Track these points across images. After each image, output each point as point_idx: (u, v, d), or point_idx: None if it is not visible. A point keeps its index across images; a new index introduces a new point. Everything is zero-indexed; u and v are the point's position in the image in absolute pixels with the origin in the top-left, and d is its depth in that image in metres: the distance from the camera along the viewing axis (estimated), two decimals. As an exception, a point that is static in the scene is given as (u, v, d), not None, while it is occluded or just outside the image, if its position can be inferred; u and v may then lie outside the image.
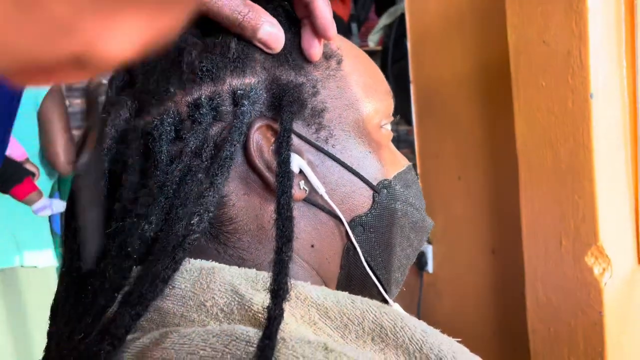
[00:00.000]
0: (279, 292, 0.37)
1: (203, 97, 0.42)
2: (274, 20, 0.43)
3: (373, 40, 2.30)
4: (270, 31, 0.42)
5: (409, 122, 1.88)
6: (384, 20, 2.16)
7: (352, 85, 0.48)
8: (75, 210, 0.44)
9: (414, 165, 1.77)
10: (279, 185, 0.41)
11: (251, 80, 0.43)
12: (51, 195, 1.95)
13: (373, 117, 0.48)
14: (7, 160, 1.72)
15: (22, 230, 1.82)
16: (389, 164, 0.49)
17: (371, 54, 2.51)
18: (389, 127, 0.50)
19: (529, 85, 1.07)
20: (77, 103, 3.01)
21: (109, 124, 0.43)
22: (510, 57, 1.09)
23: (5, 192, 1.75)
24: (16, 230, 1.80)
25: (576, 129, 0.99)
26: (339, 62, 0.48)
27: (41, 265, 1.83)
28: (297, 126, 0.45)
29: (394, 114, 0.52)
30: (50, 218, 1.92)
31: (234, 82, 0.43)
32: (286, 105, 0.43)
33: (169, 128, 0.42)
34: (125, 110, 0.43)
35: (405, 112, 1.90)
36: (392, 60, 2.05)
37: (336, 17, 2.66)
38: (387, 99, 0.50)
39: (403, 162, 0.52)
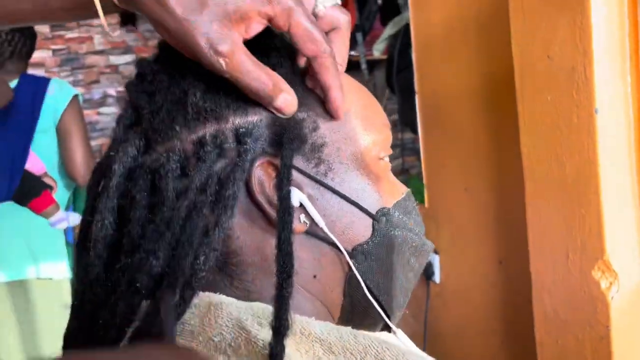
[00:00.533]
0: (279, 328, 0.39)
1: (207, 135, 0.44)
2: (289, 88, 0.44)
3: (378, 50, 2.31)
4: (286, 99, 0.44)
5: (414, 130, 1.89)
6: (389, 30, 2.17)
7: (351, 119, 0.49)
8: (86, 245, 0.46)
9: (420, 174, 1.78)
10: (279, 222, 0.42)
11: (253, 118, 0.45)
12: (67, 208, 1.98)
13: (371, 149, 0.49)
14: (26, 174, 1.78)
15: (39, 243, 1.85)
16: (387, 194, 0.50)
17: (376, 63, 2.52)
18: (387, 158, 0.52)
19: (534, 101, 1.07)
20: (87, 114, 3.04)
21: (117, 161, 0.45)
22: (514, 72, 1.10)
23: (23, 204, 1.78)
24: (32, 242, 1.84)
25: (581, 144, 0.99)
26: None
27: (56, 277, 1.86)
28: (297, 161, 0.46)
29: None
30: (65, 230, 1.96)
31: (237, 120, 0.44)
32: (287, 142, 0.44)
33: (174, 165, 0.43)
34: (133, 148, 0.45)
35: (410, 121, 1.90)
36: (397, 69, 2.06)
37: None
38: (385, 131, 0.51)
39: (402, 190, 0.53)
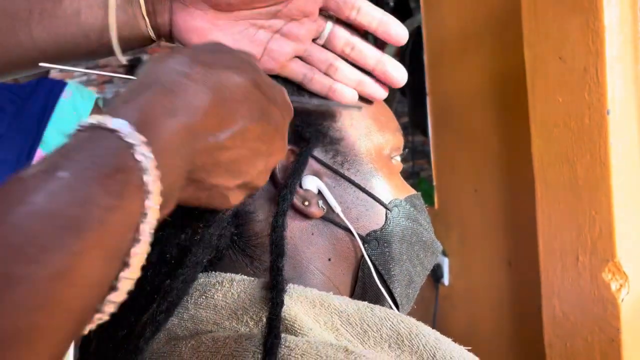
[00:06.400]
0: (277, 285, 0.45)
1: None
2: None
3: (389, 52, 2.31)
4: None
5: (424, 133, 1.89)
6: (401, 32, 2.16)
7: (367, 118, 0.54)
8: None
9: (430, 177, 1.78)
10: (279, 200, 0.48)
11: None
12: None
13: (384, 147, 0.54)
14: None
15: None
16: (399, 188, 0.55)
17: (388, 65, 2.45)
18: (398, 159, 0.56)
19: (546, 101, 1.07)
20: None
21: None
22: (526, 73, 1.10)
23: None
24: None
25: (593, 145, 0.99)
26: None
27: None
28: (317, 152, 0.51)
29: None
30: None
31: None
32: (310, 136, 0.50)
33: None
34: None
35: (421, 123, 1.90)
36: (408, 71, 2.06)
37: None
38: (397, 135, 0.56)
39: (413, 190, 0.57)
